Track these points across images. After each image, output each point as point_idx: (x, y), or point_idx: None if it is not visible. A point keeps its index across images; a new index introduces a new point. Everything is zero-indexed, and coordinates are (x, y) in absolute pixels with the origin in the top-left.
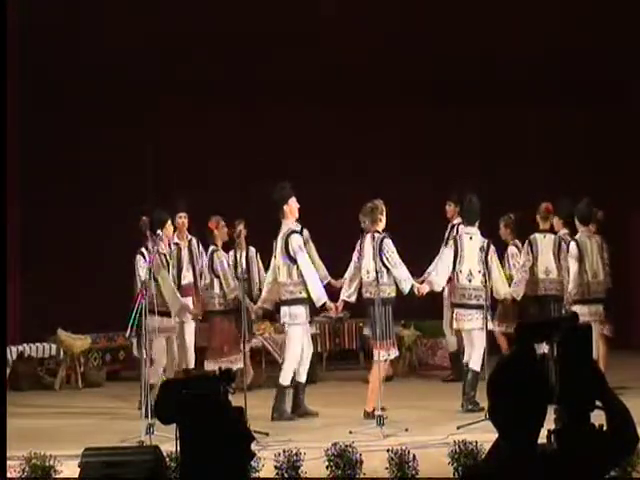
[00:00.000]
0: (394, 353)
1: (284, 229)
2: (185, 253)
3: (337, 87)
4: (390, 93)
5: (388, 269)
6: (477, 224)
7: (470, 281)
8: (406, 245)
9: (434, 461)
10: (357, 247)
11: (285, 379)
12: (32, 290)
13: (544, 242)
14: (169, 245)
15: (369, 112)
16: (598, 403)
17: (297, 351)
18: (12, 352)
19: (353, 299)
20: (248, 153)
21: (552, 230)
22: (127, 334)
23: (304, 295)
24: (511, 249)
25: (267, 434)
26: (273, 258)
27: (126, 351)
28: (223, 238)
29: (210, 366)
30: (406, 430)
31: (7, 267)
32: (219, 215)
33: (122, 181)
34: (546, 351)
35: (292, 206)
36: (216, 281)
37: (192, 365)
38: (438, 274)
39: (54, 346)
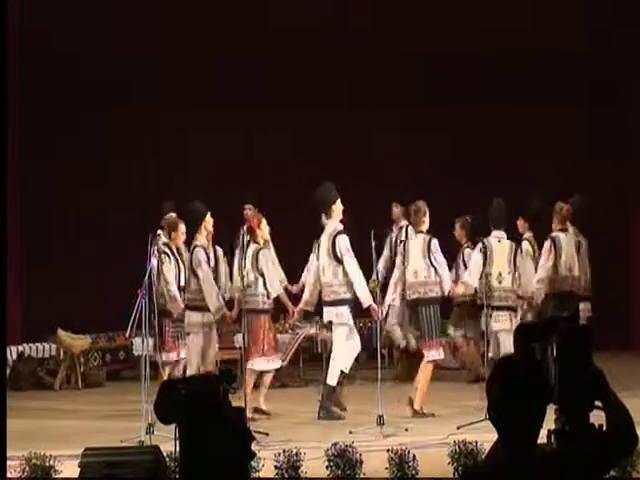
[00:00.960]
0: (442, 353)
1: (329, 229)
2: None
3: (337, 87)
4: (390, 93)
5: (436, 269)
6: (504, 227)
7: (500, 282)
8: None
9: (434, 461)
10: (388, 249)
11: (332, 379)
12: (32, 290)
13: (566, 241)
14: (212, 240)
15: (369, 112)
16: (598, 403)
17: (343, 349)
18: (12, 352)
19: (397, 302)
20: (249, 153)
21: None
22: (127, 334)
23: (349, 296)
24: (467, 251)
25: (267, 434)
26: (314, 258)
27: (126, 351)
28: (264, 236)
29: (261, 366)
30: (406, 430)
31: (7, 267)
32: (260, 212)
33: (122, 181)
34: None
35: (339, 206)
36: (260, 280)
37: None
38: (471, 275)
39: (54, 346)
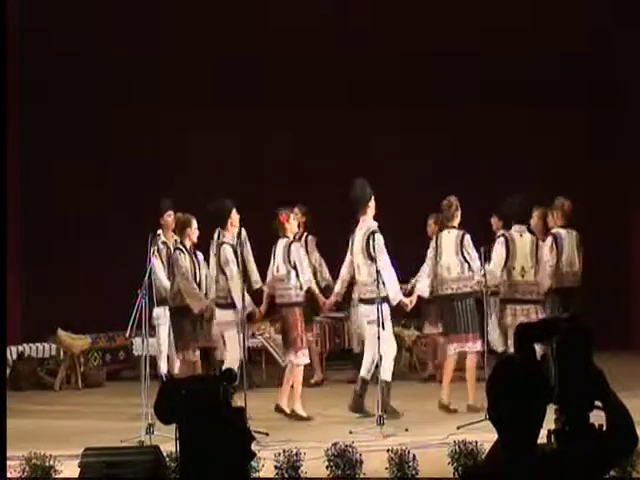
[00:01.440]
0: (480, 345)
1: (364, 228)
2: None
3: (337, 87)
4: (390, 93)
5: (469, 264)
6: (524, 221)
7: (523, 277)
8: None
9: (434, 461)
10: (432, 244)
11: (387, 374)
12: (32, 290)
13: (567, 237)
14: (239, 236)
15: (370, 112)
16: (598, 403)
17: (392, 344)
18: (12, 352)
19: (426, 295)
20: (248, 154)
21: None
22: (127, 334)
23: (385, 294)
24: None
25: (267, 434)
26: (349, 255)
27: (126, 351)
28: (293, 230)
29: (305, 360)
30: (406, 430)
31: (7, 267)
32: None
33: (122, 181)
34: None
35: (373, 204)
36: (293, 272)
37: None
38: (496, 268)
39: (54, 346)
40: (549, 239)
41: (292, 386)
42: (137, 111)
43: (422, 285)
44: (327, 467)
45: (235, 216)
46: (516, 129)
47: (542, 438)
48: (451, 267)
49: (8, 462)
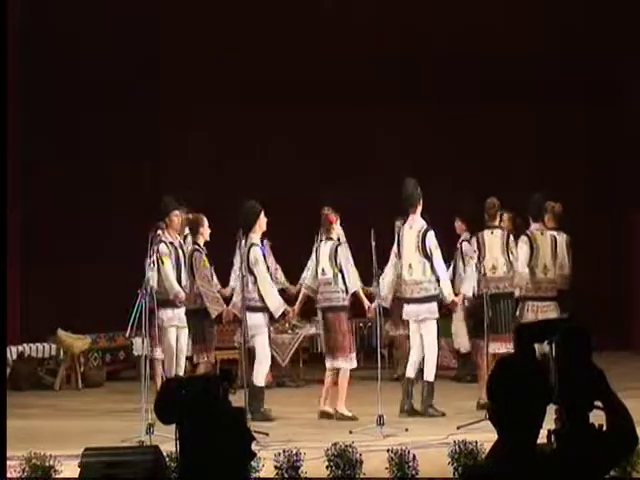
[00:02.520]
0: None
1: (416, 226)
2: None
3: (336, 86)
4: (390, 93)
5: (512, 264)
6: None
7: (545, 274)
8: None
9: (434, 461)
10: (472, 246)
11: (431, 375)
12: (32, 290)
13: (543, 240)
14: (262, 237)
15: (370, 112)
16: (598, 403)
17: (436, 345)
18: (12, 352)
19: (470, 294)
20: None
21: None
22: (127, 334)
23: (438, 292)
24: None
25: (267, 434)
26: (394, 254)
27: (126, 351)
28: (338, 233)
29: (352, 364)
30: (406, 430)
31: (7, 267)
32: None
33: (123, 181)
34: (546, 351)
35: (421, 203)
36: (339, 276)
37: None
38: (523, 268)
39: (54, 346)
40: (522, 241)
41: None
42: (137, 111)
43: (467, 285)
44: (327, 467)
45: (263, 218)
46: (516, 129)
47: (542, 438)
48: (497, 266)
49: (8, 462)
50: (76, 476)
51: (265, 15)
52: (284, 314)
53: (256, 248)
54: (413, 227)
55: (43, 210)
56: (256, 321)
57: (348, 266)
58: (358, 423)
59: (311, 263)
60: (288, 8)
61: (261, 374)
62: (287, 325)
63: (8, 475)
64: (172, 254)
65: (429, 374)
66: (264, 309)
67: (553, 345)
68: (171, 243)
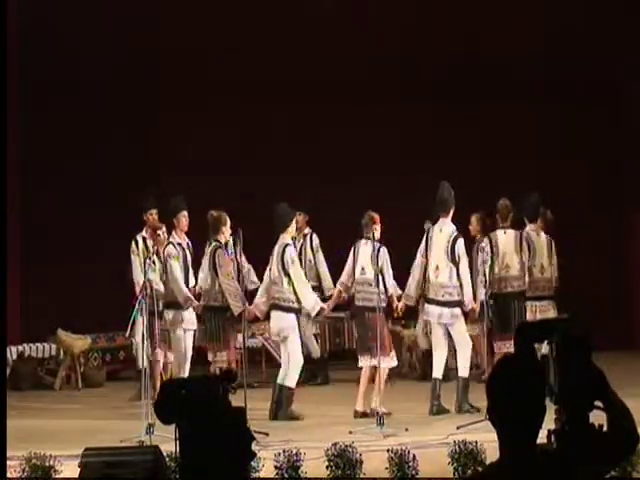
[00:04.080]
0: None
1: (447, 230)
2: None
3: (335, 86)
4: (390, 93)
5: (524, 263)
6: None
7: (542, 274)
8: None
9: (434, 461)
10: (486, 246)
11: (465, 371)
12: (32, 290)
13: (539, 240)
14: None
15: (371, 112)
16: (598, 403)
17: (469, 341)
18: (12, 352)
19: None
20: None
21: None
22: (127, 334)
23: (460, 298)
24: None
25: (267, 434)
26: (421, 255)
27: (126, 351)
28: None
29: (392, 363)
30: (406, 430)
31: (7, 267)
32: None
33: (122, 181)
34: (546, 351)
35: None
36: (379, 277)
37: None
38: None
39: (54, 346)
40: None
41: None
42: (137, 110)
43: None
44: (327, 467)
45: (295, 220)
46: (516, 129)
47: (542, 438)
48: (510, 266)
49: (8, 462)
50: (76, 476)
51: (265, 15)
52: (319, 312)
53: (291, 248)
54: (443, 230)
55: (43, 210)
56: (289, 322)
57: (389, 267)
58: (358, 423)
59: (350, 262)
60: (288, 8)
61: (293, 375)
62: None
63: (8, 475)
64: (180, 255)
65: (463, 370)
66: (298, 310)
67: (553, 345)
68: (179, 244)
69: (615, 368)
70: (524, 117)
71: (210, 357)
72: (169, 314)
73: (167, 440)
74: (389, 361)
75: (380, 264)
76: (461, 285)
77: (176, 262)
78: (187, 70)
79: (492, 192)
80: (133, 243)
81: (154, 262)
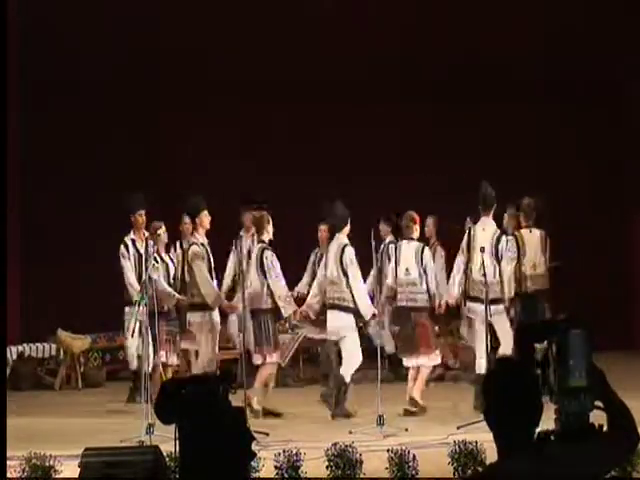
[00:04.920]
0: None
1: (491, 229)
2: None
3: (335, 86)
4: (390, 93)
5: (548, 262)
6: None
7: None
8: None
9: (434, 461)
10: (512, 245)
11: (484, 368)
12: (32, 290)
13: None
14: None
15: (371, 112)
16: (598, 403)
17: (511, 337)
18: (12, 352)
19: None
20: (249, 153)
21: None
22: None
23: (501, 295)
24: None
25: (267, 434)
26: (462, 255)
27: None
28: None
29: (428, 362)
30: (406, 430)
31: (7, 267)
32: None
33: (122, 181)
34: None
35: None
36: (424, 277)
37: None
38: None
39: (54, 346)
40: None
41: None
42: (138, 110)
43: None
44: (327, 467)
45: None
46: (516, 129)
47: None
48: (536, 264)
49: (8, 462)
50: (76, 476)
51: (265, 15)
52: (372, 317)
53: (350, 249)
54: (486, 229)
55: (43, 210)
56: (347, 322)
57: (432, 266)
58: (358, 423)
59: (391, 264)
60: (288, 8)
61: (349, 372)
62: (287, 325)
63: (8, 475)
64: (205, 256)
65: (482, 368)
66: (357, 310)
67: (553, 345)
68: (202, 244)
69: (615, 368)
70: (524, 117)
71: (259, 361)
72: (194, 316)
73: (167, 440)
74: (434, 359)
75: (425, 263)
76: (502, 282)
77: (202, 263)
78: (187, 70)
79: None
80: (122, 247)
81: (156, 262)
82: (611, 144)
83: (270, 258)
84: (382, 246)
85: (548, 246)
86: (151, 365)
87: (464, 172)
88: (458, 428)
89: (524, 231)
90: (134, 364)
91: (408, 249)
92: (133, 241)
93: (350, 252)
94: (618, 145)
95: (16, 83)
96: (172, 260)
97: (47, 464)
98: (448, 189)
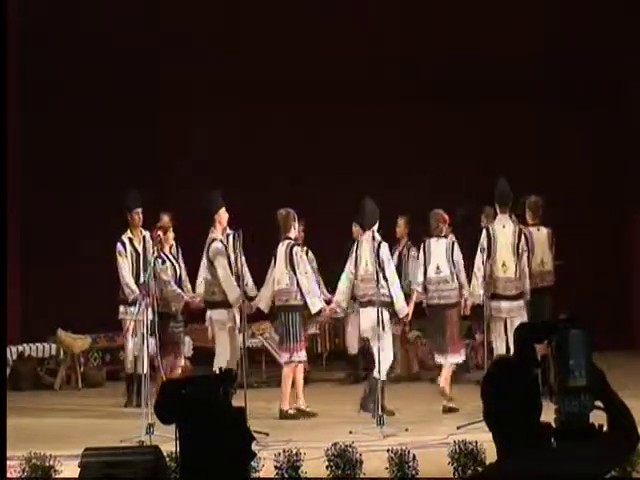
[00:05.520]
0: None
1: (511, 226)
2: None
3: (335, 86)
4: (390, 93)
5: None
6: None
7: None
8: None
9: (434, 461)
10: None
11: None
12: (32, 290)
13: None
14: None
15: (371, 112)
16: (598, 403)
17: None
18: (12, 352)
19: None
20: (248, 153)
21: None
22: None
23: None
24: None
25: (267, 434)
26: (482, 254)
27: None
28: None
29: (456, 359)
30: (406, 430)
31: (7, 267)
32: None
33: (122, 181)
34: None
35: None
36: (455, 273)
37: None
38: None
39: (54, 346)
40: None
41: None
42: (138, 110)
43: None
44: (327, 467)
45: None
46: (516, 129)
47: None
48: (545, 261)
49: (8, 462)
50: (76, 476)
51: (264, 15)
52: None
53: (386, 246)
54: (506, 226)
55: (43, 210)
56: (386, 316)
57: (462, 262)
58: (358, 423)
59: (420, 262)
60: (288, 8)
61: (383, 369)
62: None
63: (8, 475)
64: (225, 253)
65: None
66: (392, 307)
67: (553, 345)
68: (220, 241)
69: (615, 368)
70: (524, 117)
71: (286, 358)
72: (215, 314)
73: (167, 440)
74: (459, 357)
75: (456, 260)
76: (521, 277)
77: (224, 260)
78: (187, 70)
79: (492, 192)
80: (119, 245)
81: (164, 261)
82: (611, 144)
83: (300, 254)
84: (355, 245)
85: (554, 244)
86: (146, 366)
87: (464, 172)
88: (458, 428)
89: (532, 228)
90: (130, 367)
91: (438, 247)
92: (130, 239)
93: (386, 249)
94: (618, 145)
95: (16, 83)
96: (177, 260)
97: (47, 464)
98: (448, 189)
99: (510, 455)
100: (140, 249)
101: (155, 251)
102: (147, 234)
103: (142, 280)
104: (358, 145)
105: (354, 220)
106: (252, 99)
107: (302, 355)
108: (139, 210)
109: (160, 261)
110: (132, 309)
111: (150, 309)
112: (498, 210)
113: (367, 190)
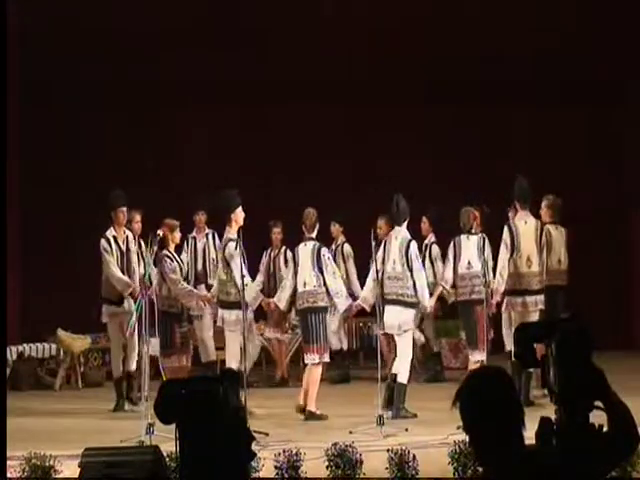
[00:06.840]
0: None
1: (532, 221)
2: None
3: (335, 86)
4: (390, 94)
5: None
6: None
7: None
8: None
9: (434, 461)
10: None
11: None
12: (32, 290)
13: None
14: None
15: (370, 112)
16: (598, 403)
17: None
18: (12, 352)
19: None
20: (248, 153)
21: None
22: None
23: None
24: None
25: (267, 434)
26: (506, 251)
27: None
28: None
29: (479, 357)
30: (406, 430)
31: (7, 267)
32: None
33: (122, 181)
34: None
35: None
36: (484, 269)
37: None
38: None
39: (54, 346)
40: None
41: None
42: (138, 110)
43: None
44: (327, 467)
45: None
46: (515, 129)
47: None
48: (562, 260)
49: (8, 462)
50: (76, 476)
51: (265, 15)
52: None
53: (414, 244)
54: (528, 222)
55: (43, 210)
56: (411, 316)
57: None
58: (358, 423)
59: (450, 259)
60: (287, 8)
61: (405, 371)
62: (287, 325)
63: (8, 475)
64: (239, 253)
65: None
66: (418, 305)
67: (553, 345)
68: (235, 241)
69: (615, 368)
70: (524, 117)
71: (315, 360)
72: (229, 314)
73: (167, 440)
74: (482, 355)
75: (486, 255)
76: (542, 272)
77: (239, 259)
78: (187, 70)
79: (493, 192)
80: (104, 241)
81: (172, 261)
82: (611, 144)
83: (327, 255)
84: (334, 246)
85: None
86: (147, 366)
87: (464, 172)
88: (458, 428)
89: (550, 227)
90: (117, 373)
91: (468, 243)
92: (115, 237)
93: (415, 246)
94: (618, 145)
95: (16, 83)
96: (182, 260)
97: (47, 464)
98: (448, 189)
99: (510, 455)
100: (124, 248)
101: (153, 251)
102: (130, 234)
103: (145, 277)
104: (358, 145)
105: (333, 219)
106: (252, 99)
107: (327, 356)
108: (124, 209)
109: (168, 260)
110: (119, 308)
111: (154, 307)
112: (518, 207)
113: (367, 190)
